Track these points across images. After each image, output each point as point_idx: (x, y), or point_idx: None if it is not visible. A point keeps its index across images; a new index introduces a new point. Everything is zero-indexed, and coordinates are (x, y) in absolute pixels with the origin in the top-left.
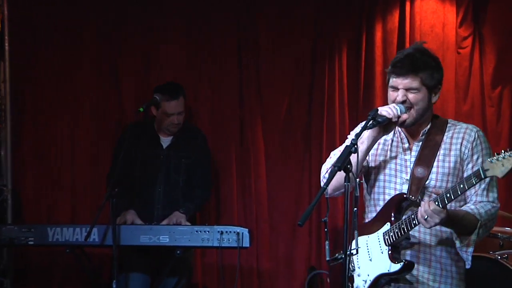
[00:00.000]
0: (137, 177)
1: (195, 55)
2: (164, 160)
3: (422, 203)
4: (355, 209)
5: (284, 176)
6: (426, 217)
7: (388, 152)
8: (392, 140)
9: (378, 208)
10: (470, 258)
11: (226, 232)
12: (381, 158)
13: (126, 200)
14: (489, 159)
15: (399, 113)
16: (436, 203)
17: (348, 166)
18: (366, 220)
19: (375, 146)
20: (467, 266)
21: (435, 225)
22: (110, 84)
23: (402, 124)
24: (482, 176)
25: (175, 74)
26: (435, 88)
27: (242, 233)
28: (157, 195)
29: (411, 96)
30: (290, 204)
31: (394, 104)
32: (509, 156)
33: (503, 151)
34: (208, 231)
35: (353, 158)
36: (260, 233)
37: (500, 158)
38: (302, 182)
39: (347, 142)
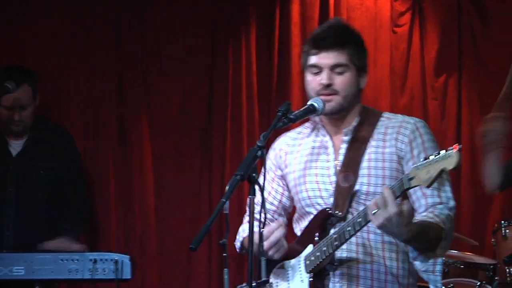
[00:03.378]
0: None
1: (61, 35)
2: (14, 172)
3: (381, 193)
4: (262, 230)
5: (177, 189)
6: (375, 210)
7: (308, 157)
8: (315, 141)
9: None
10: (439, 278)
11: (101, 260)
12: (300, 166)
13: None
14: (415, 165)
15: (318, 109)
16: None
17: (254, 174)
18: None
19: (290, 149)
20: None
21: (386, 223)
22: None
23: (325, 112)
24: (405, 187)
25: (38, 59)
26: (363, 69)
27: (122, 261)
28: (7, 218)
29: (338, 79)
30: (184, 223)
31: (316, 98)
32: (436, 161)
33: (430, 155)
34: (77, 260)
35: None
36: (146, 260)
37: (426, 164)
38: (200, 196)
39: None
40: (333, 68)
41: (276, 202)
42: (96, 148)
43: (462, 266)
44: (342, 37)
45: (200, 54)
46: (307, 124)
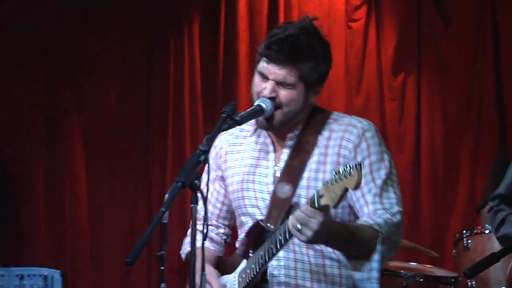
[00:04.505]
0: None
1: None
2: None
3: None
4: (203, 242)
5: (112, 197)
6: (298, 226)
7: (248, 160)
8: (256, 143)
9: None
10: (376, 286)
11: (29, 275)
12: (239, 169)
13: None
14: (324, 182)
15: (265, 110)
16: (311, 203)
17: (196, 181)
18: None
19: (231, 148)
20: None
21: (314, 236)
22: None
23: (263, 126)
24: (316, 205)
25: None
26: (316, 86)
27: (52, 276)
28: None
29: (282, 93)
30: (120, 235)
31: (264, 99)
32: (340, 178)
33: (340, 170)
34: (2, 275)
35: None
36: (78, 275)
37: (333, 181)
38: (137, 205)
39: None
40: (279, 83)
41: (219, 205)
42: (23, 152)
43: (421, 280)
44: (297, 52)
45: (137, 52)
46: (251, 121)
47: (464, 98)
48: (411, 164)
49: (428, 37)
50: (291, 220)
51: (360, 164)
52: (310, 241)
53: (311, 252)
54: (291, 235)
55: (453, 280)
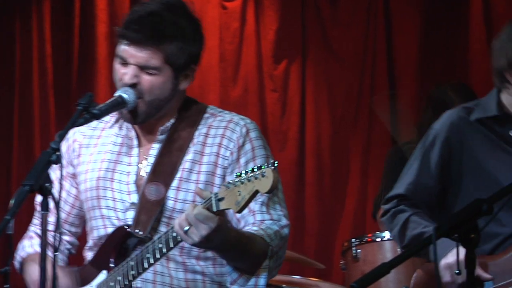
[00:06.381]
0: None
1: None
2: None
3: (188, 206)
4: (56, 253)
5: None
6: (186, 227)
7: (107, 155)
8: (118, 136)
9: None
10: None
11: None
12: (95, 165)
13: None
14: (225, 183)
15: (128, 101)
16: (206, 207)
17: (47, 184)
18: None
19: (86, 141)
20: None
21: (201, 242)
22: None
23: (128, 120)
24: (213, 209)
25: None
26: (186, 69)
27: None
28: None
29: (145, 78)
30: None
31: (127, 88)
32: (249, 180)
33: (244, 171)
34: None
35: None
36: None
37: (238, 182)
38: None
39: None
40: (142, 67)
41: (67, 208)
42: None
43: None
44: (160, 31)
45: None
46: None
47: (354, 89)
48: (294, 164)
49: (313, 20)
50: (179, 220)
51: (275, 163)
52: (197, 246)
53: (172, 264)
54: (176, 243)
55: None
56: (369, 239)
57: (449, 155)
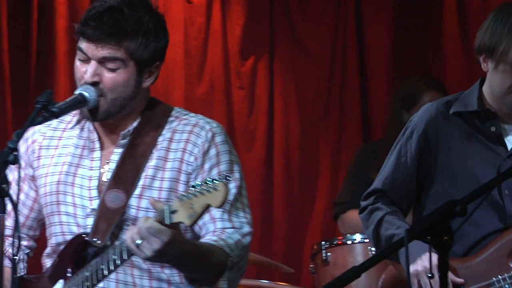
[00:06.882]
0: None
1: None
2: None
3: (140, 219)
4: (16, 257)
5: None
6: (139, 241)
7: (68, 158)
8: (80, 138)
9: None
10: None
11: None
12: (56, 169)
13: None
14: (179, 195)
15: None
16: (159, 219)
17: (4, 186)
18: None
19: (46, 142)
20: None
21: (154, 256)
22: None
23: (88, 118)
24: (166, 222)
25: None
26: (150, 65)
27: None
28: None
29: (107, 76)
30: None
31: (85, 87)
32: (201, 193)
33: (199, 182)
34: None
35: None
36: None
37: (190, 195)
38: None
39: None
40: (102, 62)
41: (26, 211)
42: None
43: None
44: (120, 28)
45: None
46: (73, 112)
47: (324, 86)
48: (262, 164)
49: (281, 15)
50: (130, 233)
51: (227, 177)
52: (151, 260)
53: (136, 272)
54: (130, 255)
55: None
56: (339, 242)
57: (426, 148)
